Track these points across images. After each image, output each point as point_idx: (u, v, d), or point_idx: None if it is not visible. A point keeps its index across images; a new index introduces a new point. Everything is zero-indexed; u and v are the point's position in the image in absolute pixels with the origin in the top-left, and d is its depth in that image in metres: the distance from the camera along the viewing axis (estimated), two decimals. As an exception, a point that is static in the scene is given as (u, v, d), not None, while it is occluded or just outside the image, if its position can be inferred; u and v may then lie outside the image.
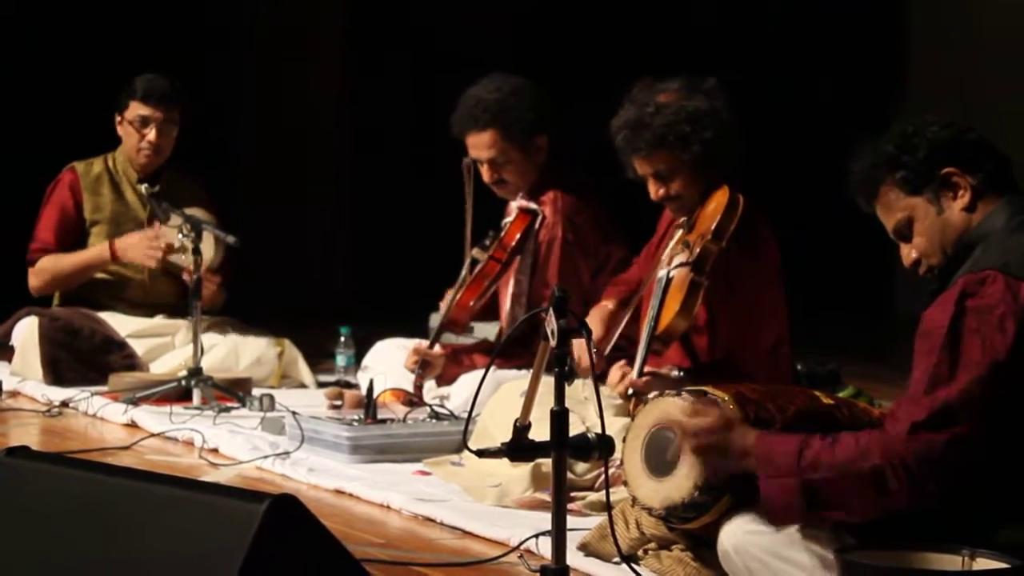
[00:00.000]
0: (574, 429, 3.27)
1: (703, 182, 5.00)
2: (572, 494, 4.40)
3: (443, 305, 6.10)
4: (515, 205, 6.00)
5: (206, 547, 2.93)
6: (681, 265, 4.89)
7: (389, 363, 6.10)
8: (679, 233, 5.04)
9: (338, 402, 5.89)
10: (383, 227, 10.42)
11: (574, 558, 3.71)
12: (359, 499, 4.75)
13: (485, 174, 5.96)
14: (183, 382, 6.16)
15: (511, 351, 5.62)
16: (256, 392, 6.20)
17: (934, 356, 3.23)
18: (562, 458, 3.24)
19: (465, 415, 4.56)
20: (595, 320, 5.30)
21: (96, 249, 6.84)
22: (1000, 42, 9.90)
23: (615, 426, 4.25)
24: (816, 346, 6.90)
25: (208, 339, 6.51)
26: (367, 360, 6.40)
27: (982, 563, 3.17)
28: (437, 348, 5.98)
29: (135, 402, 6.05)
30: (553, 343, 3.22)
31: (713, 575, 3.62)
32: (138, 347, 6.73)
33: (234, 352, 6.75)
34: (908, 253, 3.49)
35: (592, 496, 4.50)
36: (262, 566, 2.85)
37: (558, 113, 6.00)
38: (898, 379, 3.42)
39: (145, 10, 9.81)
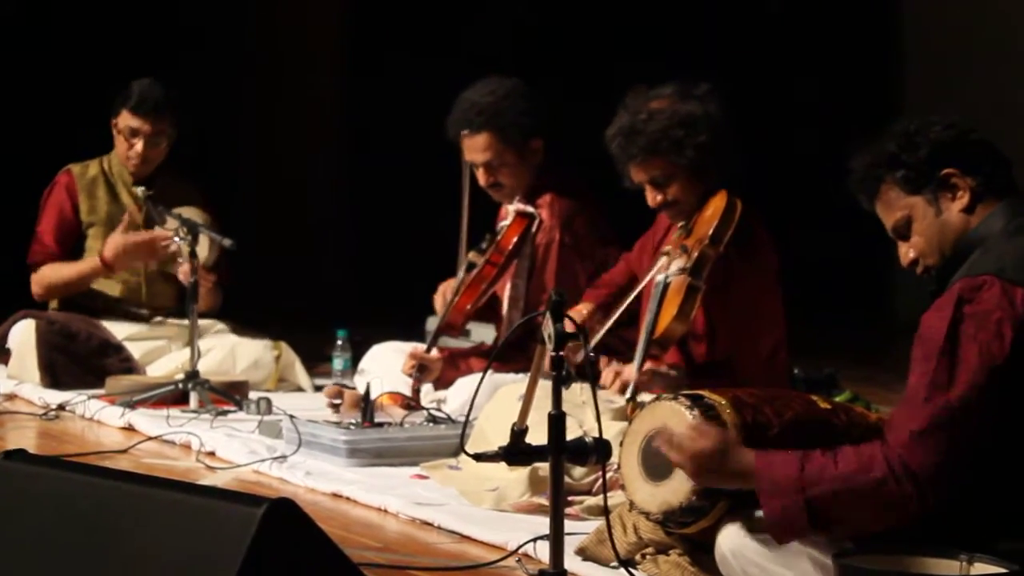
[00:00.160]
0: (571, 433, 3.27)
1: (700, 187, 5.01)
2: (570, 498, 4.40)
3: (438, 307, 6.10)
4: (511, 208, 6.00)
5: (203, 551, 2.93)
6: (679, 270, 4.90)
7: (386, 367, 6.09)
8: (677, 237, 5.04)
9: (337, 400, 5.87)
10: (380, 230, 10.42)
11: (572, 562, 3.72)
12: (356, 503, 4.75)
13: (481, 178, 5.96)
14: (180, 385, 6.15)
15: (508, 355, 5.61)
16: (253, 395, 6.20)
17: (932, 362, 3.22)
18: (559, 462, 3.24)
19: (462, 419, 4.56)
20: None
21: (89, 262, 6.82)
22: (1001, 42, 9.90)
23: (612, 430, 4.26)
24: (813, 350, 6.91)
25: (205, 342, 6.51)
26: (364, 363, 6.40)
27: (980, 568, 3.17)
28: (434, 352, 5.97)
29: (132, 405, 6.05)
30: (550, 347, 3.22)
31: (710, 579, 3.62)
32: (135, 350, 6.73)
33: (231, 355, 6.74)
34: (906, 252, 3.49)
35: (590, 500, 4.50)
36: (259, 570, 2.85)
37: (554, 115, 6.00)
38: (895, 383, 3.42)
39: (144, 11, 9.80)
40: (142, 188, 6.61)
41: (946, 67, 10.17)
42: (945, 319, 3.23)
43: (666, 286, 4.91)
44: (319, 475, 5.03)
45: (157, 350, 6.79)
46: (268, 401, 6.01)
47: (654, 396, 3.76)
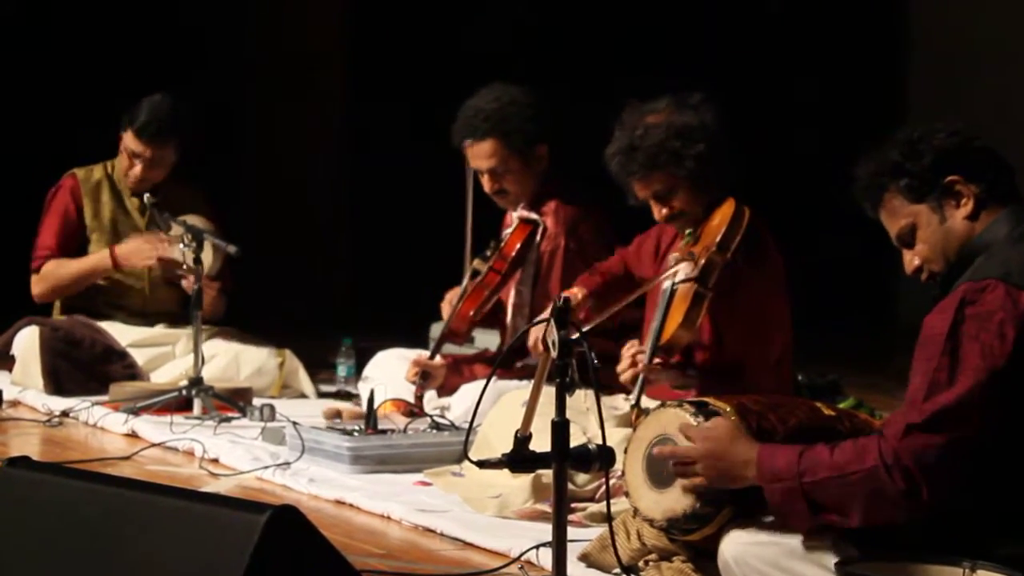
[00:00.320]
0: (575, 440, 3.27)
1: (704, 196, 5.01)
2: (573, 505, 4.40)
3: (445, 314, 6.09)
4: (515, 215, 6.00)
5: (207, 558, 2.93)
6: (686, 278, 4.90)
7: (390, 373, 6.09)
8: (684, 244, 5.04)
9: (336, 420, 5.88)
10: (385, 238, 10.42)
11: (575, 569, 3.72)
12: (359, 510, 4.74)
13: (486, 184, 5.96)
14: (184, 392, 6.15)
15: (512, 361, 5.61)
16: (257, 402, 6.20)
17: (934, 362, 3.23)
18: (563, 469, 3.24)
19: (466, 426, 4.57)
20: None
21: (97, 256, 6.84)
22: (1003, 41, 9.89)
23: (616, 437, 4.25)
24: (817, 356, 6.90)
25: (209, 349, 6.51)
26: (368, 370, 6.40)
27: (983, 575, 3.17)
28: (438, 358, 5.97)
29: (136, 412, 6.04)
30: (554, 354, 3.22)
31: (714, 586, 3.62)
32: (139, 357, 6.73)
33: (235, 362, 6.74)
34: (911, 260, 3.49)
35: (593, 507, 4.50)
36: (263, 577, 2.85)
37: (559, 122, 6.00)
38: (899, 390, 3.41)
39: (145, 11, 9.80)
40: (147, 195, 6.61)
41: (948, 67, 10.17)
42: (947, 320, 3.24)
43: (673, 292, 4.91)
44: (322, 482, 5.02)
45: (161, 357, 6.79)
46: (272, 408, 6.01)
47: (659, 403, 3.76)
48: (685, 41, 10.27)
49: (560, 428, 3.23)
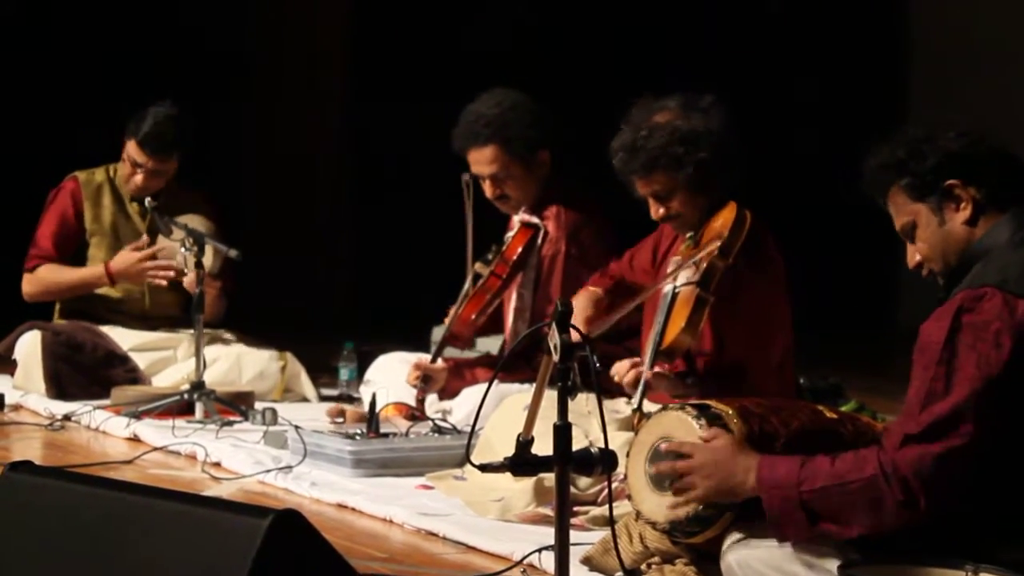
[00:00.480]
0: (577, 443, 3.27)
1: (704, 200, 5.00)
2: (575, 508, 4.40)
3: (447, 319, 6.09)
4: (517, 219, 6.00)
5: (209, 562, 2.93)
6: (687, 282, 4.89)
7: (391, 377, 6.09)
8: (685, 248, 5.04)
9: (339, 419, 5.89)
10: (386, 241, 10.41)
11: (577, 572, 3.71)
12: (361, 513, 4.75)
13: (487, 190, 5.96)
14: (186, 396, 6.15)
15: (514, 365, 5.61)
16: (259, 406, 6.20)
17: (930, 371, 3.23)
18: (565, 472, 3.24)
19: (467, 429, 4.56)
20: (582, 303, 5.29)
21: (93, 271, 6.82)
22: (1003, 41, 9.90)
23: (618, 440, 4.25)
24: (819, 359, 6.90)
25: (211, 352, 6.51)
26: (369, 374, 6.39)
27: (985, 579, 3.17)
28: (439, 362, 5.97)
29: (137, 416, 6.04)
30: (556, 358, 3.22)
31: (716, 589, 3.62)
32: (140, 361, 6.73)
33: (237, 366, 6.74)
34: (912, 254, 3.49)
35: (595, 510, 4.50)
36: (265, 581, 2.85)
37: (560, 127, 6.00)
38: (901, 393, 3.41)
39: (145, 11, 9.80)
40: (148, 199, 6.62)
41: (948, 67, 10.17)
42: (944, 328, 3.23)
43: (674, 297, 4.91)
44: (324, 485, 5.03)
45: (162, 361, 6.79)
46: (273, 411, 6.01)
47: (660, 406, 3.76)
48: (685, 41, 10.27)
49: (562, 432, 3.23)
